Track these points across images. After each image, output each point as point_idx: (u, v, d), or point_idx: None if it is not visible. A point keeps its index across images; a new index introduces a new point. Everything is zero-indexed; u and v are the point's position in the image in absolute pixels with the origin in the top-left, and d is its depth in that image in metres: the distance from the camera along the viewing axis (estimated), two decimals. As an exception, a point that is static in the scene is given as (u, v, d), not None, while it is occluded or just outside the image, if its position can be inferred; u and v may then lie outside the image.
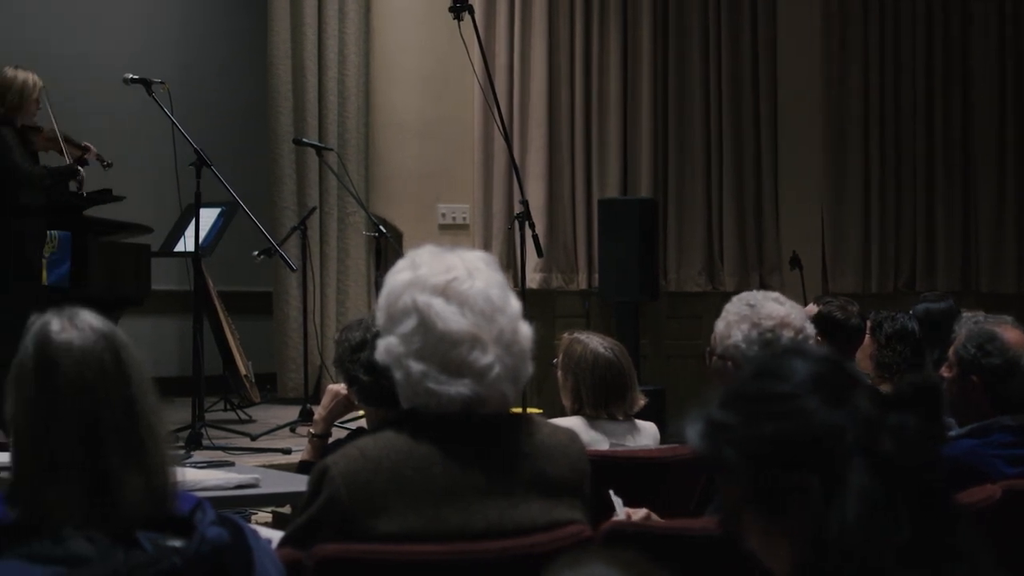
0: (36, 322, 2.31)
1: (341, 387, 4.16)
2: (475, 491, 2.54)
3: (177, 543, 2.21)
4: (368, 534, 2.50)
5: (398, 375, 2.57)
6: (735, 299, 3.70)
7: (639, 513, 3.32)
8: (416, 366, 2.53)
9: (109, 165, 7.80)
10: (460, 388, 2.53)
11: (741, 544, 1.84)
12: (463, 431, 2.56)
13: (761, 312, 3.60)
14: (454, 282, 2.55)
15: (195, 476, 3.80)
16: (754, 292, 3.71)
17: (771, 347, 3.50)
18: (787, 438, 1.77)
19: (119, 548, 2.18)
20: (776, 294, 3.70)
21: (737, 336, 3.58)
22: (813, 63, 11.28)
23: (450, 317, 2.52)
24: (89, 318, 2.31)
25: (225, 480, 3.86)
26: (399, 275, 2.60)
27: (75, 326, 2.30)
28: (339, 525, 2.51)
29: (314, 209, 9.61)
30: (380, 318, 2.61)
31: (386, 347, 2.58)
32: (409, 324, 2.54)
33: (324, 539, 2.51)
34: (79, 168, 7.55)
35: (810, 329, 3.67)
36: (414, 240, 9.56)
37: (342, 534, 2.51)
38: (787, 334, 3.56)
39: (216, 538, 2.23)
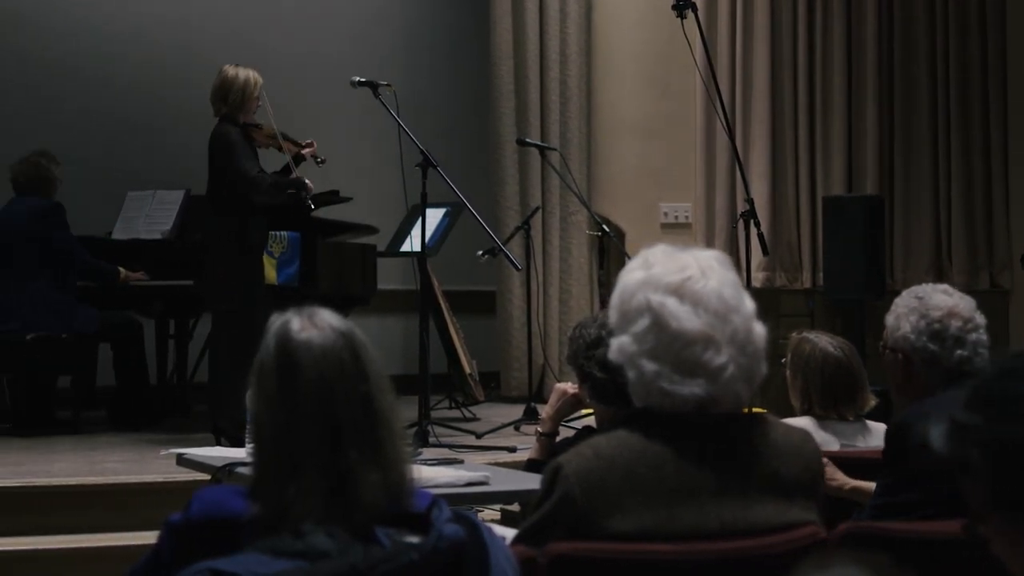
0: (277, 321, 2.36)
1: (569, 385, 4.17)
2: (709, 491, 2.53)
3: (414, 539, 2.24)
4: (601, 533, 2.50)
5: (631, 374, 2.57)
6: (904, 292, 3.81)
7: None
8: (649, 366, 2.53)
9: (323, 162, 7.86)
10: (694, 388, 2.51)
11: (987, 548, 1.79)
12: (696, 430, 2.55)
13: (929, 303, 3.71)
14: (688, 281, 2.53)
15: (427, 473, 3.85)
16: (924, 285, 3.81)
17: (939, 338, 3.65)
18: None
19: (358, 543, 2.21)
20: (944, 286, 3.79)
21: (906, 328, 3.70)
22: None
23: (684, 317, 2.51)
24: (328, 317, 2.36)
25: (456, 477, 3.90)
26: (632, 274, 2.59)
27: (315, 325, 2.34)
28: (572, 523, 2.51)
29: (538, 209, 9.66)
30: (613, 317, 2.61)
31: (619, 346, 2.57)
32: (642, 323, 2.53)
33: (557, 537, 2.52)
34: (307, 182, 7.60)
35: (980, 319, 3.73)
36: (636, 239, 9.56)
37: (575, 533, 2.51)
38: (955, 324, 3.67)
39: (453, 535, 2.25)
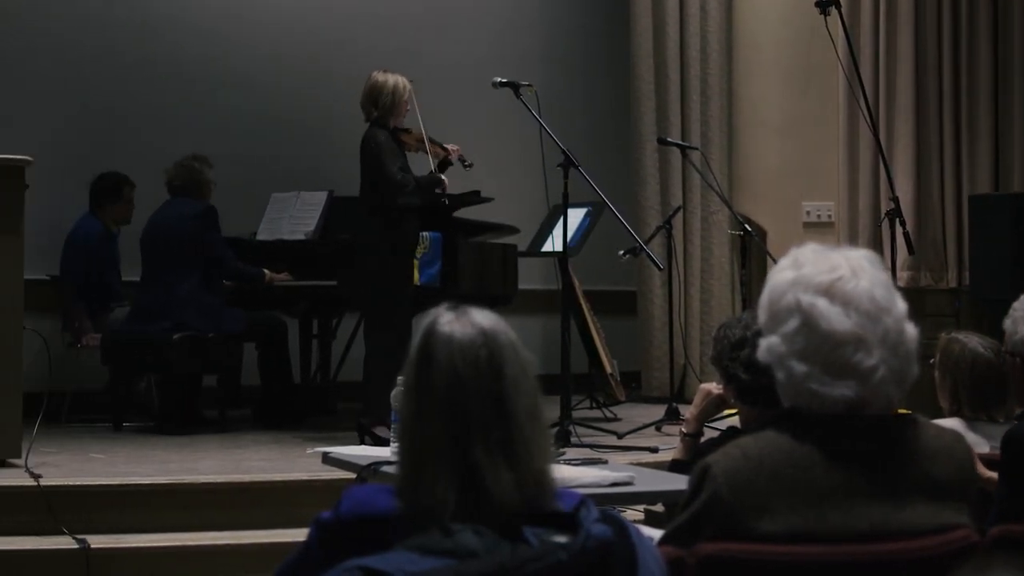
0: (430, 315, 2.38)
1: (714, 386, 4.15)
2: (858, 492, 2.50)
3: (562, 539, 2.24)
4: (749, 534, 2.48)
5: (780, 375, 2.55)
6: (1022, 297, 3.81)
7: None
8: (799, 367, 2.50)
9: (470, 166, 7.93)
10: (844, 390, 2.49)
11: None
12: (846, 431, 2.52)
13: None
14: (838, 282, 2.51)
15: (571, 473, 3.85)
16: None
17: None
18: None
19: (506, 542, 2.22)
20: None
21: (1023, 331, 3.69)
22: None
23: (834, 317, 2.48)
24: (477, 315, 2.37)
25: (601, 477, 3.89)
26: (782, 274, 2.57)
27: (460, 321, 2.36)
28: (720, 524, 2.50)
29: (679, 208, 9.64)
30: (762, 317, 2.59)
31: (768, 346, 2.56)
32: (792, 324, 2.51)
33: (705, 538, 2.51)
34: (443, 178, 7.67)
35: None
36: (778, 238, 9.49)
37: (723, 533, 2.50)
38: None
39: (601, 535, 2.25)
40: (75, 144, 9.42)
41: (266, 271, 8.62)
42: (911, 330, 2.55)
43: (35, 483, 6.00)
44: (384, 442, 6.04)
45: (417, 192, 7.49)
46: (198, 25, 9.94)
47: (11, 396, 6.46)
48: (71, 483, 6.14)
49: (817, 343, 2.49)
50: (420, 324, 2.40)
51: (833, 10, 7.72)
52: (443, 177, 7.66)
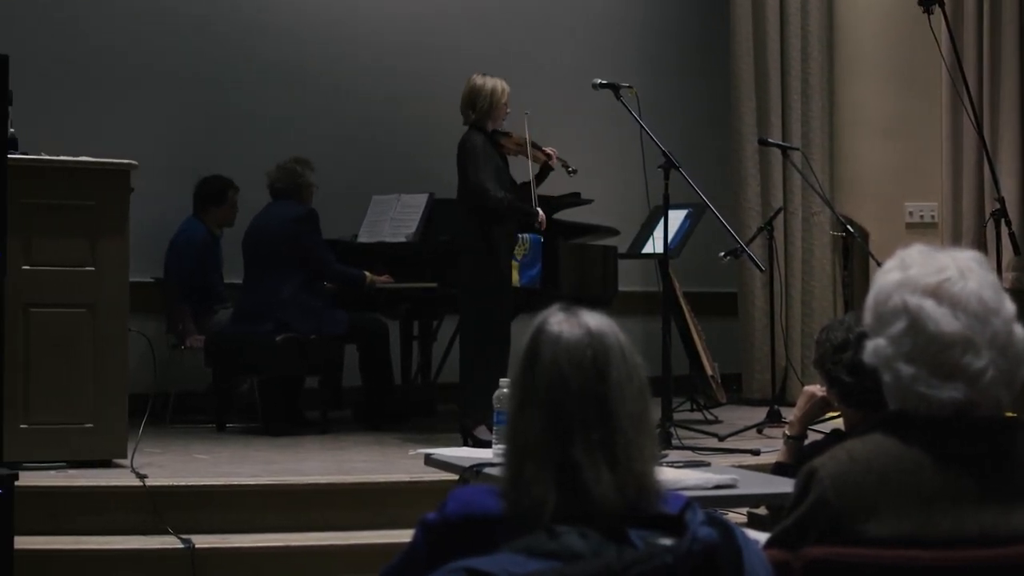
0: (542, 315, 2.39)
1: (817, 388, 4.12)
2: (968, 496, 2.47)
3: (668, 541, 2.24)
4: (856, 537, 2.46)
5: (887, 377, 2.52)
6: None
7: None
8: (906, 369, 2.48)
9: (574, 172, 7.94)
10: (952, 392, 2.46)
11: None
12: (955, 435, 2.49)
13: None
14: (946, 283, 2.48)
15: (674, 476, 3.84)
16: None
17: None
18: None
19: (611, 544, 2.22)
20: None
21: None
22: None
23: (942, 319, 2.46)
24: (588, 317, 2.37)
25: (704, 480, 3.88)
26: (888, 275, 2.55)
27: (570, 321, 2.36)
28: (827, 527, 2.48)
29: (780, 209, 9.59)
30: (868, 319, 2.57)
31: (874, 349, 2.53)
32: (899, 326, 2.49)
33: (811, 541, 2.49)
34: (540, 212, 7.66)
35: None
36: (881, 239, 9.41)
37: (830, 536, 2.48)
38: None
39: (707, 537, 2.24)
40: (179, 147, 9.54)
41: (367, 273, 8.66)
42: (1020, 332, 2.52)
43: (141, 483, 6.09)
44: (486, 444, 6.05)
45: (503, 209, 7.51)
46: (300, 30, 10.01)
47: (117, 397, 6.56)
48: (176, 483, 6.22)
49: (925, 345, 2.47)
50: (526, 325, 2.41)
51: (936, 8, 7.64)
52: (541, 213, 7.66)
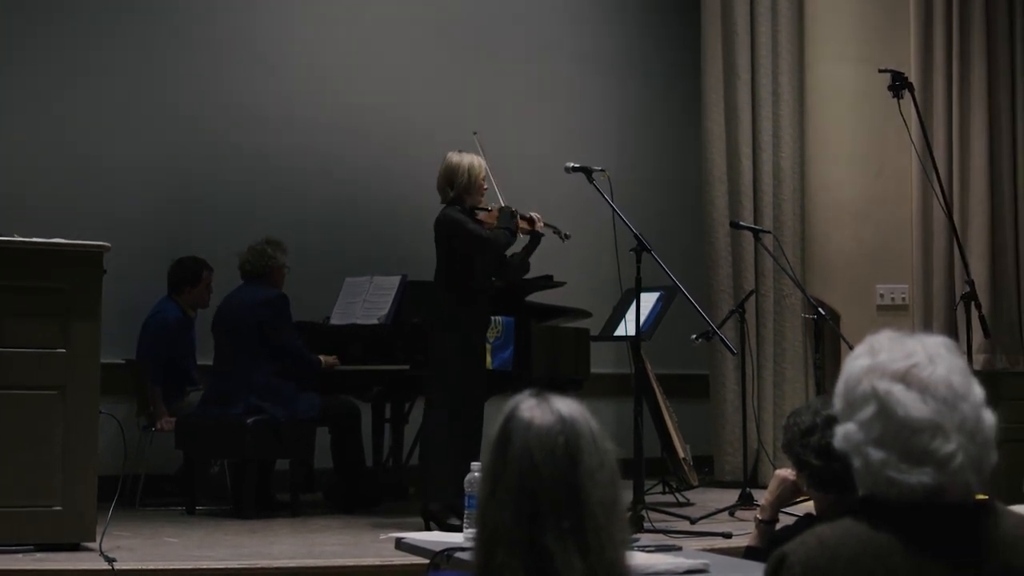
0: (512, 400, 2.39)
1: (789, 472, 4.12)
2: (938, 582, 2.47)
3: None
4: (826, 623, 2.46)
5: (856, 463, 2.53)
6: None
7: None
8: (875, 454, 2.49)
9: (567, 237, 7.99)
10: (921, 477, 2.46)
11: None
12: (924, 520, 2.49)
13: None
14: (915, 368, 2.49)
15: (645, 560, 3.82)
16: None
17: None
18: None
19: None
20: None
21: None
22: None
23: (911, 404, 2.47)
24: (560, 403, 2.37)
25: (675, 565, 3.86)
26: (858, 361, 2.56)
27: (541, 408, 2.37)
28: (798, 613, 2.48)
29: (752, 292, 9.62)
30: (838, 404, 2.58)
31: (844, 434, 2.54)
32: (868, 411, 2.50)
33: (786, 627, 2.48)
34: (532, 214, 7.81)
35: None
36: (852, 321, 9.44)
37: (801, 622, 2.47)
38: None
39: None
40: (151, 228, 9.53)
41: (322, 358, 8.65)
42: (989, 417, 2.53)
43: (109, 567, 6.03)
44: (455, 528, 6.02)
45: (505, 239, 7.62)
46: (272, 114, 10.05)
47: (86, 479, 6.50)
48: (145, 567, 6.16)
49: (894, 430, 2.48)
50: (498, 408, 2.41)
51: (906, 93, 7.71)
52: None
